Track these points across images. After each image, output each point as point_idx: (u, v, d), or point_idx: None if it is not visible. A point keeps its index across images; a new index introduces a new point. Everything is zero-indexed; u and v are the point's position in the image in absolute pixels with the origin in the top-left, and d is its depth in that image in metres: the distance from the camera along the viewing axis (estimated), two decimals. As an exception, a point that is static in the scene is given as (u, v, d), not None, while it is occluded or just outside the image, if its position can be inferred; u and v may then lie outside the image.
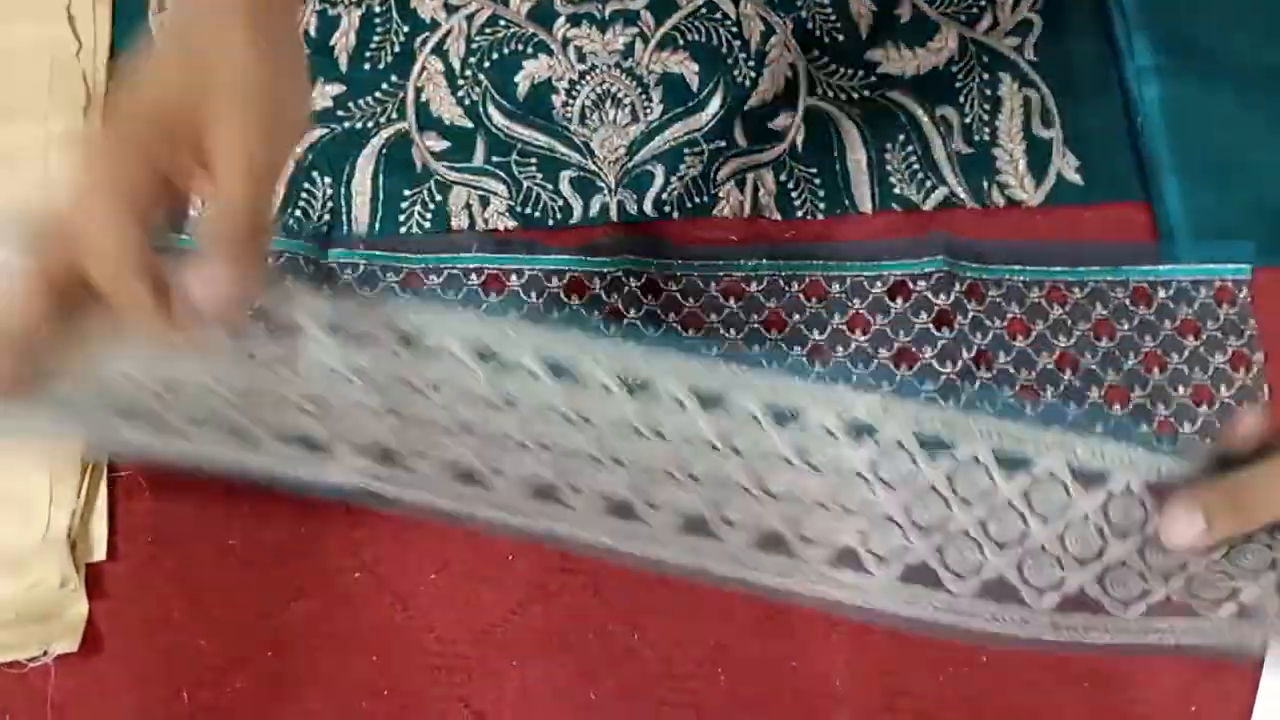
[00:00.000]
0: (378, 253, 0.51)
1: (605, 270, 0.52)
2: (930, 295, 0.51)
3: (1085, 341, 0.51)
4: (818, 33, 0.55)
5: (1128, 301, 0.52)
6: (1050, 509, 0.35)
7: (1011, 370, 0.50)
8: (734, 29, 0.55)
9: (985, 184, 0.53)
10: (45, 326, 0.34)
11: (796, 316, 0.51)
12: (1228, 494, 0.33)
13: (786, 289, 0.52)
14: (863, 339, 0.51)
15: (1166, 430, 0.50)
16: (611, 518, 0.38)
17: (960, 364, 0.50)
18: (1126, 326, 0.51)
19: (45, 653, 0.45)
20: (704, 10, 0.56)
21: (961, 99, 0.55)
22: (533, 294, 0.51)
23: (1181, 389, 0.51)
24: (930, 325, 0.50)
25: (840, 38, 0.55)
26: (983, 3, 0.56)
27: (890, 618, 0.38)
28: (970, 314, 0.51)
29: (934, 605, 0.37)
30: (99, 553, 0.47)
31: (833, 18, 0.56)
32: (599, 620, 0.47)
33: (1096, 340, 0.51)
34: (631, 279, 0.51)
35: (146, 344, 0.36)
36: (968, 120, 0.54)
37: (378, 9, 0.56)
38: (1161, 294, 0.52)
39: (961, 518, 0.36)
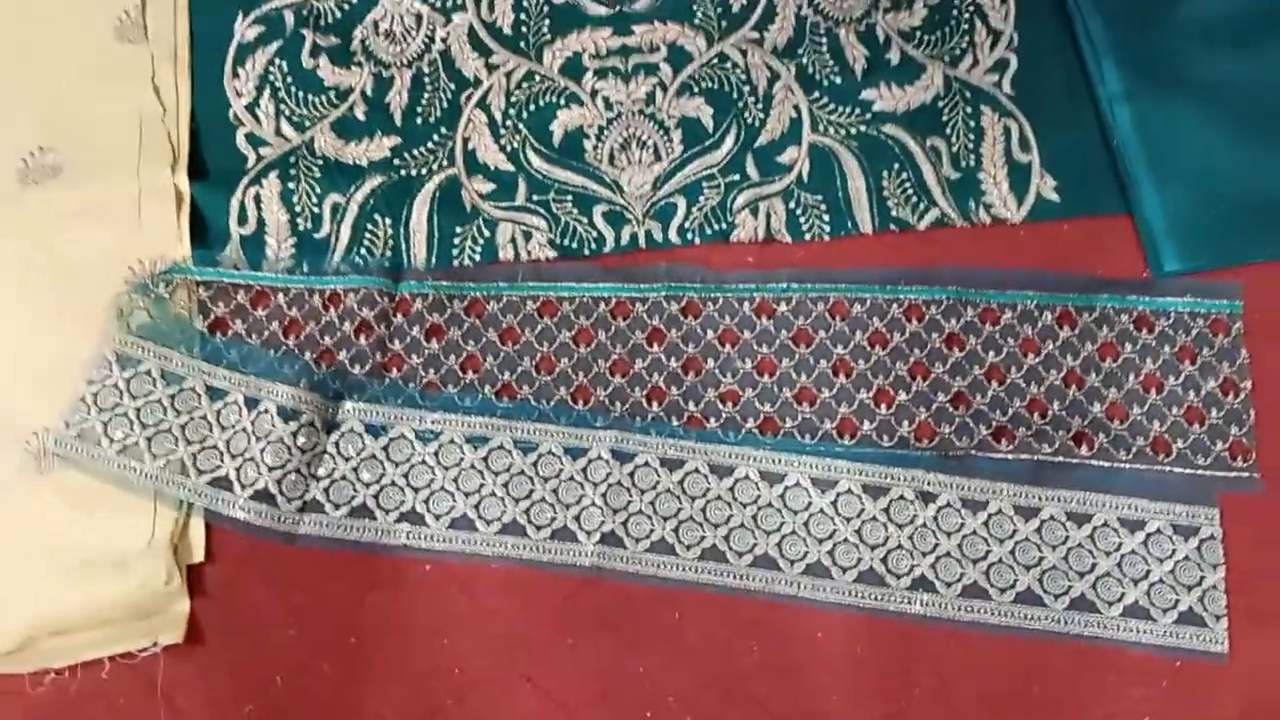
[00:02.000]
0: (445, 283, 0.58)
1: (648, 295, 0.58)
2: (941, 318, 0.57)
3: (1091, 361, 0.56)
4: (817, 76, 0.62)
5: (1131, 326, 0.57)
6: (953, 527, 0.53)
7: (1021, 384, 0.56)
8: (743, 76, 0.62)
9: (973, 205, 0.59)
10: None
11: (822, 333, 0.57)
12: None
13: (813, 308, 0.58)
14: (882, 353, 0.57)
15: (1161, 448, 0.55)
16: (653, 554, 0.53)
17: (971, 379, 0.56)
18: (1129, 349, 0.57)
19: (155, 644, 0.51)
20: (716, 60, 0.62)
21: (948, 130, 0.61)
22: (582, 317, 0.57)
23: (1175, 409, 0.56)
24: (941, 345, 0.56)
25: (838, 80, 0.62)
26: (964, 44, 0.62)
27: (850, 607, 0.52)
28: (984, 334, 0.57)
29: (879, 598, 0.52)
30: (198, 555, 0.54)
31: (830, 63, 0.62)
32: (644, 601, 0.53)
33: (1100, 361, 0.56)
34: (672, 302, 0.58)
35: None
36: (954, 149, 0.60)
37: (426, 70, 0.63)
38: (1163, 322, 0.57)
39: (898, 537, 0.52)
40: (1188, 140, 0.60)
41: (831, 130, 0.61)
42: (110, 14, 0.64)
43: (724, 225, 0.59)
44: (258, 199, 0.60)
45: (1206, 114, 0.60)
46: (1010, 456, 0.55)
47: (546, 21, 0.63)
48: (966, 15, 0.63)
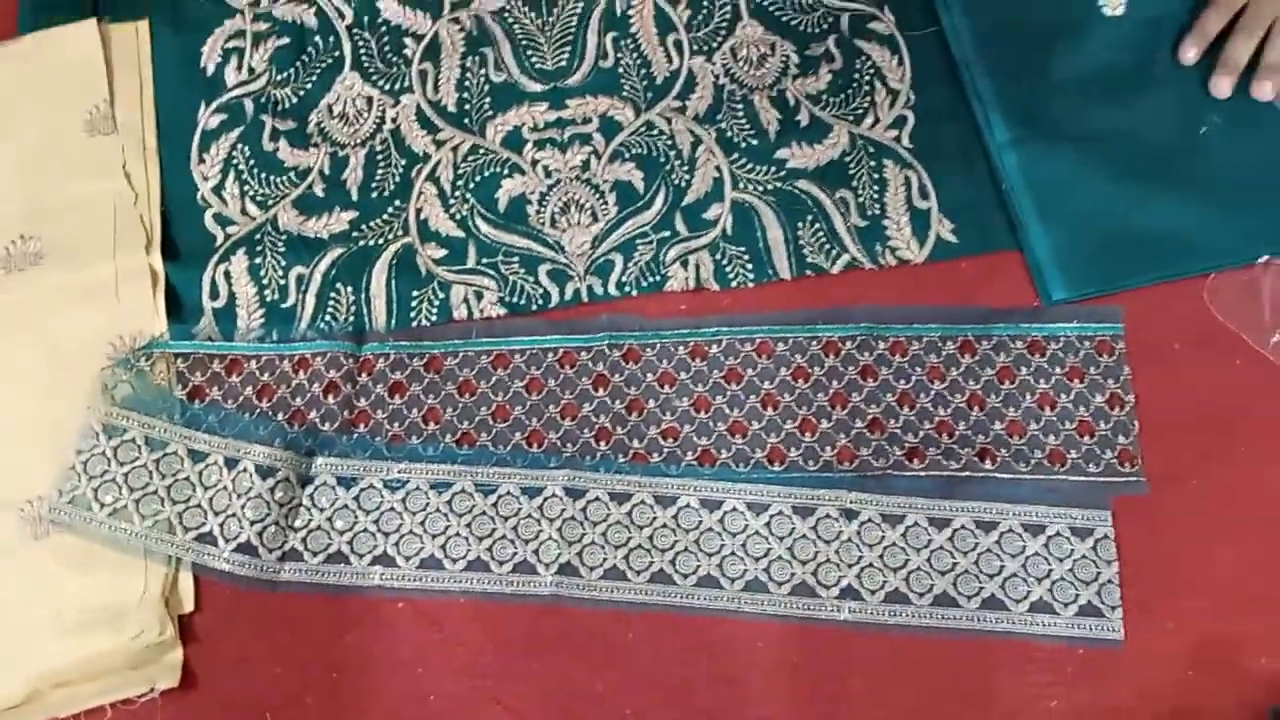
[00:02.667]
0: (404, 343, 0.63)
1: (591, 345, 0.63)
2: (856, 352, 0.63)
3: (991, 385, 0.63)
4: (736, 139, 0.68)
5: (1025, 351, 0.63)
6: (874, 540, 0.59)
7: (930, 408, 0.62)
8: (669, 142, 0.69)
9: (879, 248, 0.66)
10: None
11: (750, 371, 0.63)
12: None
13: (741, 349, 0.64)
14: (805, 386, 0.63)
15: (1057, 459, 0.61)
16: (606, 580, 0.58)
17: (884, 406, 0.62)
18: (1024, 371, 0.63)
19: (153, 690, 0.55)
20: (644, 129, 0.69)
21: (855, 183, 0.67)
22: (533, 367, 0.63)
23: (1068, 424, 0.62)
24: (857, 376, 0.63)
25: (754, 142, 0.68)
26: (866, 104, 0.69)
27: (786, 618, 0.58)
28: (895, 365, 0.63)
29: (811, 608, 0.58)
30: (188, 605, 0.58)
31: (747, 127, 0.69)
32: (600, 624, 0.58)
33: (999, 384, 0.63)
34: (614, 350, 0.63)
35: None
36: (861, 199, 0.67)
37: (379, 148, 0.69)
38: (1053, 346, 0.63)
39: (825, 552, 0.58)
40: (1068, 182, 0.66)
41: (751, 187, 0.67)
42: (81, 108, 0.69)
43: (658, 278, 0.65)
44: (227, 274, 0.65)
45: (1084, 158, 0.67)
46: (923, 474, 0.60)
47: (488, 99, 0.69)
48: (867, 78, 0.70)
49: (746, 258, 0.66)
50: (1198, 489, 0.60)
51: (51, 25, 0.71)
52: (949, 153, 0.68)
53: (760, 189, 0.67)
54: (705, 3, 0.72)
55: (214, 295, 0.65)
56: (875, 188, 0.67)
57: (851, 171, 0.68)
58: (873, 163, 0.68)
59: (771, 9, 0.72)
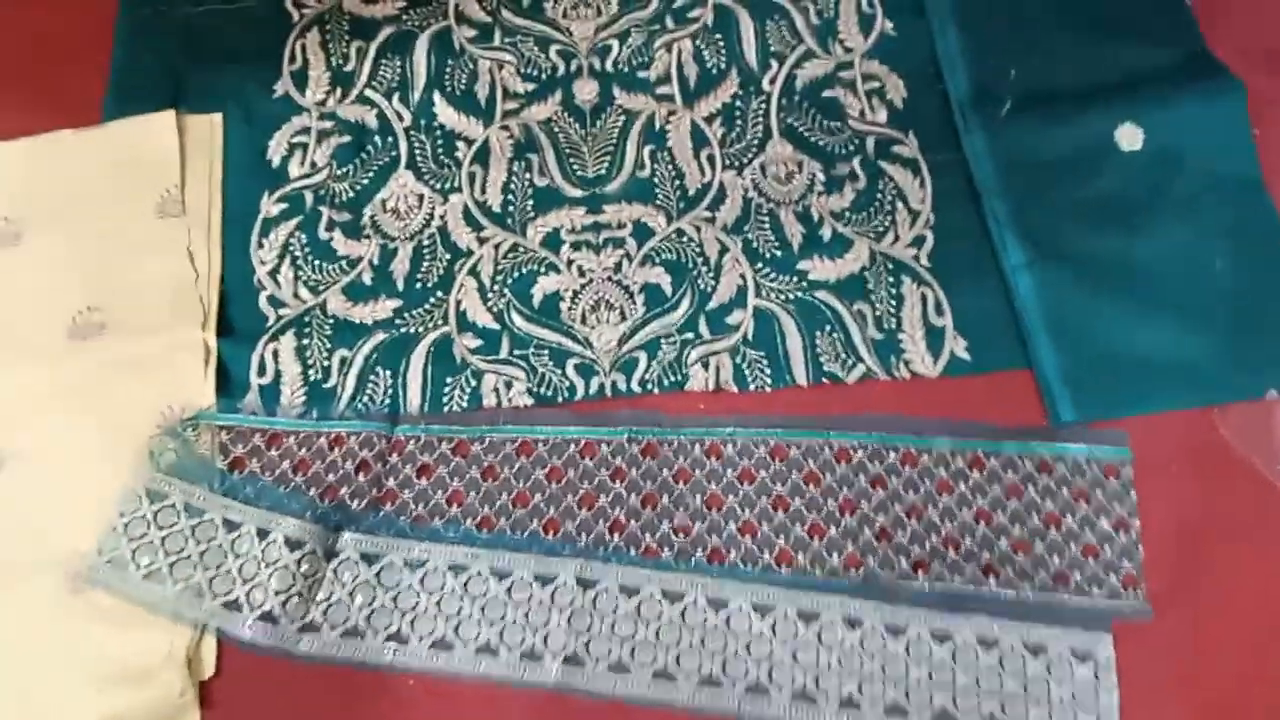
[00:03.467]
0: (435, 426, 0.66)
1: (612, 438, 0.66)
2: (867, 460, 0.65)
3: (998, 501, 0.64)
4: (761, 250, 0.72)
5: (1034, 470, 0.65)
6: (876, 649, 0.60)
7: (937, 521, 0.63)
8: (698, 249, 0.72)
9: (894, 360, 0.68)
10: None
11: (763, 472, 0.65)
12: None
13: (755, 450, 0.66)
14: (815, 491, 0.64)
15: (1061, 579, 0.61)
16: (610, 673, 0.60)
17: (893, 516, 0.63)
18: (1032, 490, 0.64)
19: (168, 750, 0.58)
20: (674, 236, 0.73)
21: (873, 297, 0.70)
22: (554, 457, 0.66)
23: (1073, 545, 0.63)
24: (867, 484, 0.64)
25: (779, 253, 0.72)
26: (887, 223, 0.73)
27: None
28: (904, 475, 0.65)
29: (810, 714, 0.59)
30: (209, 670, 0.60)
31: (772, 238, 0.72)
32: (603, 715, 0.59)
33: (1006, 501, 0.64)
34: (633, 444, 0.66)
35: None
36: (878, 313, 0.70)
37: (426, 242, 0.73)
38: (1061, 467, 0.65)
39: (828, 658, 0.60)
40: (1080, 306, 0.68)
41: (773, 296, 0.71)
42: (154, 192, 0.74)
43: (679, 377, 0.68)
44: (275, 354, 0.69)
45: (1096, 284, 0.69)
46: (927, 586, 0.62)
47: (530, 202, 0.74)
48: (889, 198, 0.73)
49: (765, 363, 0.69)
50: (1200, 610, 0.60)
51: (133, 114, 0.77)
52: (965, 272, 0.71)
53: (782, 298, 0.70)
54: (738, 121, 0.76)
55: (261, 372, 0.69)
56: (893, 302, 0.70)
57: (870, 286, 0.70)
58: (891, 279, 0.71)
59: (801, 130, 0.76)
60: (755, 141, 0.76)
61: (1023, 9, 0.78)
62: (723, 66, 0.78)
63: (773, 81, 0.78)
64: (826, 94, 0.77)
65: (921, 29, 0.79)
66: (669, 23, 0.80)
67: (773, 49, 0.79)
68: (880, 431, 0.66)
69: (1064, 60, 0.76)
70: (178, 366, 0.68)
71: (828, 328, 0.69)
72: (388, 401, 0.68)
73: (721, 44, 0.79)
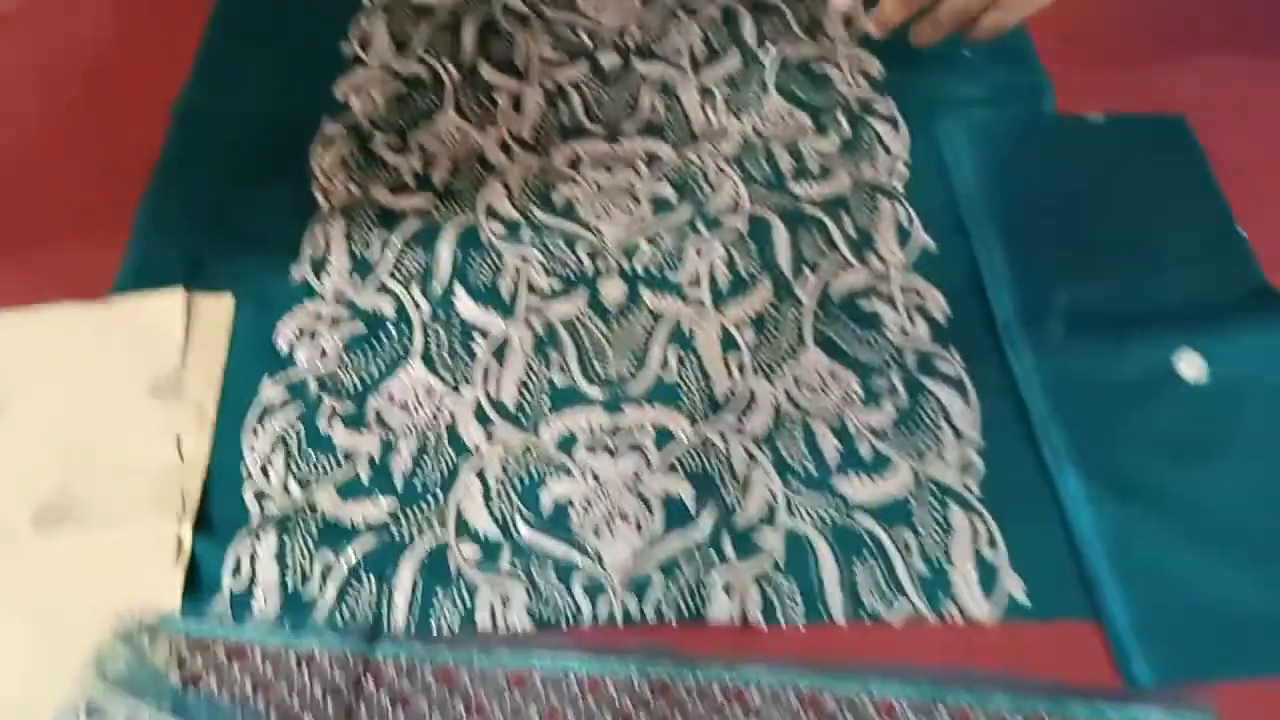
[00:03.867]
0: (419, 648, 0.59)
1: (618, 673, 0.58)
2: (913, 715, 0.56)
3: None
4: (794, 465, 0.66)
5: None
6: None
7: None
8: (724, 459, 0.66)
9: (943, 600, 0.61)
10: None
11: (793, 725, 0.57)
12: None
13: (786, 700, 0.57)
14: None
15: None
16: None
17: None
18: None
19: None
20: (699, 444, 0.67)
21: (917, 524, 0.64)
22: (551, 693, 0.57)
23: None
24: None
25: (813, 470, 0.66)
26: (930, 443, 0.67)
27: None
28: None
29: None
30: None
31: (806, 454, 0.67)
32: None
33: None
34: (644, 683, 0.58)
35: None
36: (923, 543, 0.63)
37: (431, 439, 0.68)
38: None
39: None
40: (1153, 549, 0.61)
41: (806, 517, 0.64)
42: (151, 370, 0.70)
43: (698, 604, 0.61)
44: (253, 554, 0.63)
45: (1169, 525, 0.62)
46: None
47: (546, 400, 0.69)
48: (932, 417, 0.68)
49: (797, 593, 0.61)
50: None
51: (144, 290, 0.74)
52: (1021, 502, 0.64)
53: (816, 519, 0.64)
54: (770, 328, 0.73)
55: (235, 573, 0.62)
56: (939, 532, 0.63)
57: (913, 512, 0.64)
58: (937, 504, 0.64)
59: (836, 339, 0.72)
60: (788, 349, 0.71)
61: (1069, 229, 0.76)
62: (754, 271, 0.76)
63: (807, 290, 0.74)
64: (863, 304, 0.74)
65: (962, 245, 0.77)
66: (701, 228, 0.78)
67: (807, 257, 0.76)
68: (930, 682, 0.57)
69: (1114, 282, 0.72)
70: (145, 561, 0.62)
71: (866, 553, 0.62)
72: (370, 615, 0.61)
73: (754, 251, 0.77)
